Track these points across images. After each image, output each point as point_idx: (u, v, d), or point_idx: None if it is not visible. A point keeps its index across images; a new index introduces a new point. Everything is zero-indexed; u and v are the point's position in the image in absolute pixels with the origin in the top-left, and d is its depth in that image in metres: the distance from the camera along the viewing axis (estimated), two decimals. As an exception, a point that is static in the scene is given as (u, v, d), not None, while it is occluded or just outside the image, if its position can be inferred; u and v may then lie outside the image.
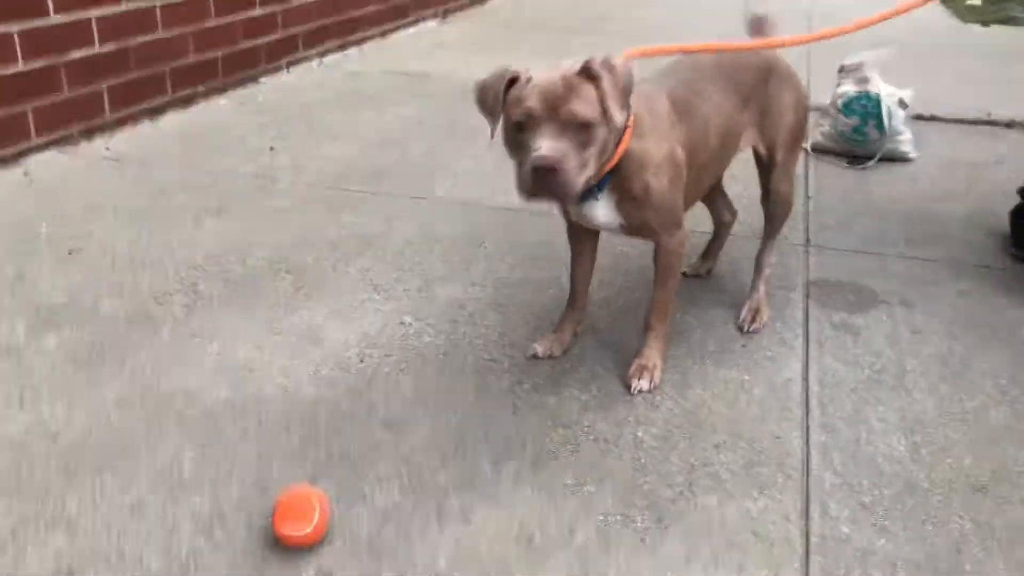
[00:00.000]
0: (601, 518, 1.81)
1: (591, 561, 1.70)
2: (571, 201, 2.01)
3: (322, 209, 3.32)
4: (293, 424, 2.07)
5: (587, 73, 1.89)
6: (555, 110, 1.85)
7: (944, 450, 2.04)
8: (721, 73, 2.35)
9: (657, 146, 2.08)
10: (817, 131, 4.11)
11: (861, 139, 3.94)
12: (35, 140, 3.76)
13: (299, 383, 2.23)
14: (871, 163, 3.93)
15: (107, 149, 3.90)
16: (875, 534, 1.78)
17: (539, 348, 2.36)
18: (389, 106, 4.69)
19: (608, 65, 1.89)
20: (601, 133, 1.90)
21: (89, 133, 4.01)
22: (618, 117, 1.88)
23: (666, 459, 1.99)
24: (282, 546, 1.68)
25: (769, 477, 1.94)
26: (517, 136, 1.91)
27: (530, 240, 3.06)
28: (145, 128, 4.22)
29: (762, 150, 2.50)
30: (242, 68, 4.96)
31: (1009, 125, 4.62)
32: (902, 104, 4.00)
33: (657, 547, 1.74)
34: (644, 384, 2.22)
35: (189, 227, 3.12)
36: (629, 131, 2.02)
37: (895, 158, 3.99)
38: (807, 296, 2.76)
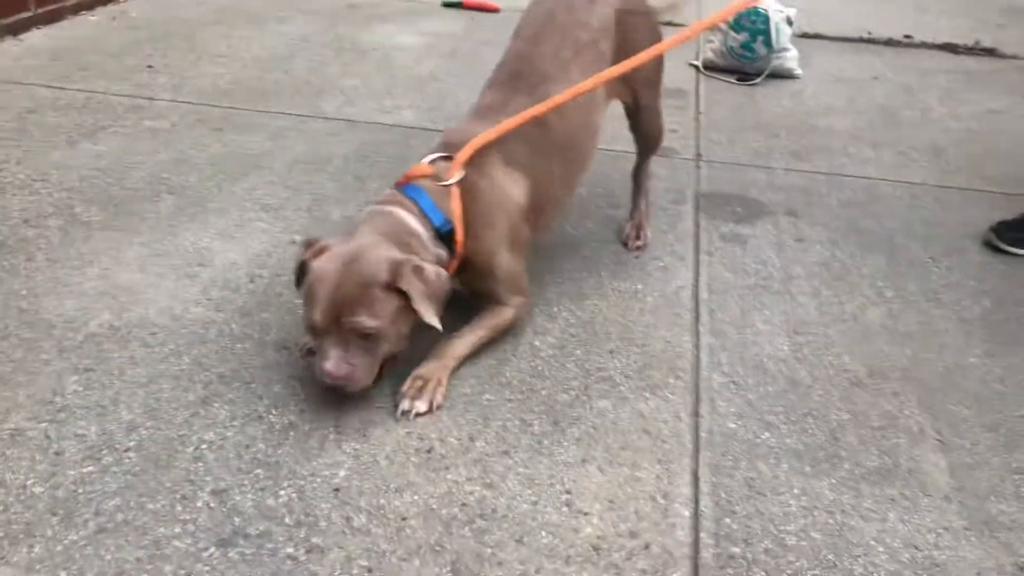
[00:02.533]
0: (500, 424, 1.83)
1: (490, 468, 1.72)
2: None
3: (204, 129, 3.18)
4: (182, 347, 2.01)
5: (387, 285, 1.74)
6: (338, 320, 1.73)
7: (825, 348, 2.14)
8: (568, 58, 2.20)
9: (497, 239, 2.00)
10: (707, 48, 4.15)
11: (750, 55, 4.01)
12: None
13: (186, 305, 2.16)
14: (759, 79, 4.00)
15: (-35, 68, 3.62)
16: (760, 428, 1.86)
17: None
18: (271, 23, 4.50)
19: (415, 275, 1.76)
20: (391, 333, 1.78)
21: (-57, 50, 3.71)
22: (434, 320, 1.78)
23: (562, 366, 2.02)
24: None
25: (661, 379, 1.99)
26: (307, 329, 1.81)
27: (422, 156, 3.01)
28: (7, 45, 3.93)
29: (627, 98, 2.46)
30: (112, -19, 4.66)
31: (887, 43, 4.77)
32: (788, 21, 4.07)
33: (554, 450, 1.77)
34: (420, 405, 1.84)
35: (62, 148, 2.95)
36: (460, 239, 1.94)
37: (782, 75, 4.07)
38: (697, 209, 2.82)
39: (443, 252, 1.92)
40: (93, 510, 1.56)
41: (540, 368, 2.02)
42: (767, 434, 1.85)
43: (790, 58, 4.07)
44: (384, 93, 3.59)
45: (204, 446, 1.72)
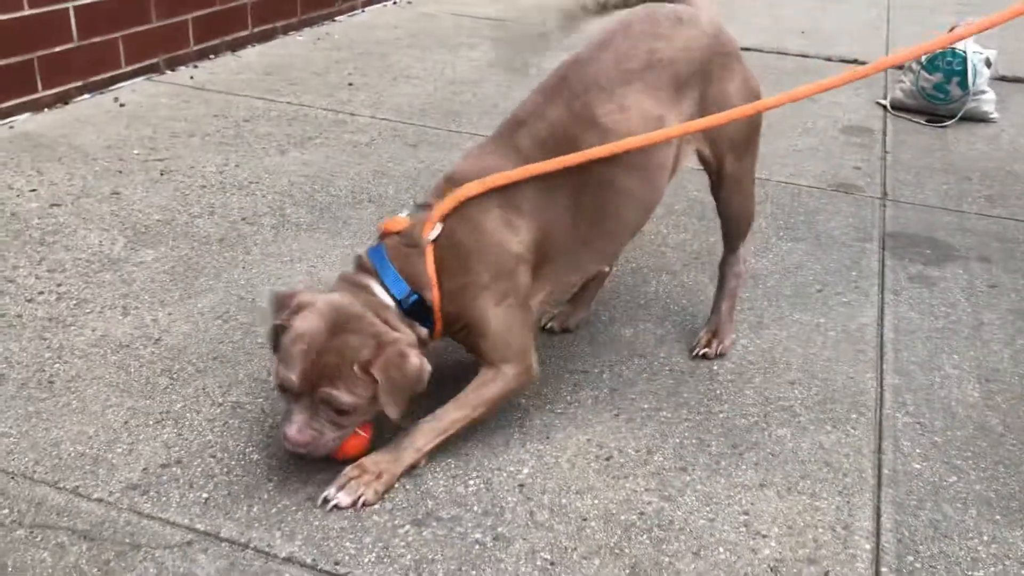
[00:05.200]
0: (677, 441, 1.87)
1: (667, 481, 1.76)
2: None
3: (401, 144, 3.38)
4: (380, 342, 2.16)
5: (365, 367, 1.60)
6: (314, 388, 1.60)
7: (1019, 398, 2.06)
8: (632, 69, 1.85)
9: (477, 295, 1.75)
10: (896, 87, 4.05)
11: (943, 97, 3.88)
12: (125, 68, 3.88)
13: (385, 304, 2.32)
14: (951, 122, 3.87)
15: (191, 79, 4.00)
16: (947, 471, 1.82)
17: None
18: (462, 48, 4.72)
19: (396, 362, 1.61)
20: (365, 409, 1.65)
21: (174, 63, 4.12)
22: (395, 414, 1.64)
23: (741, 392, 2.04)
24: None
25: (842, 414, 1.98)
26: (278, 387, 1.67)
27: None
28: (227, 60, 4.31)
29: (707, 154, 2.03)
30: (319, 6, 5.02)
31: (1096, 89, 4.50)
32: (987, 63, 3.92)
33: (732, 472, 1.80)
34: (344, 498, 1.63)
35: (274, 155, 3.22)
36: (438, 305, 1.73)
37: (976, 118, 3.92)
38: (883, 248, 2.76)
39: (419, 330, 1.73)
40: (302, 481, 1.71)
41: (718, 392, 2.04)
42: (954, 478, 1.80)
43: (986, 101, 3.91)
44: (567, 118, 3.71)
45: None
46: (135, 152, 3.17)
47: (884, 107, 4.05)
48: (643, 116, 1.82)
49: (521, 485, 1.73)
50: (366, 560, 1.54)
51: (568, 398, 2.00)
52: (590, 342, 2.21)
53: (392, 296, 1.71)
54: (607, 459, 1.82)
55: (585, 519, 1.66)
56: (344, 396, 1.60)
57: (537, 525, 1.64)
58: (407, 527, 1.61)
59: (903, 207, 3.06)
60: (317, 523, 1.61)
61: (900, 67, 4.07)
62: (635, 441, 1.87)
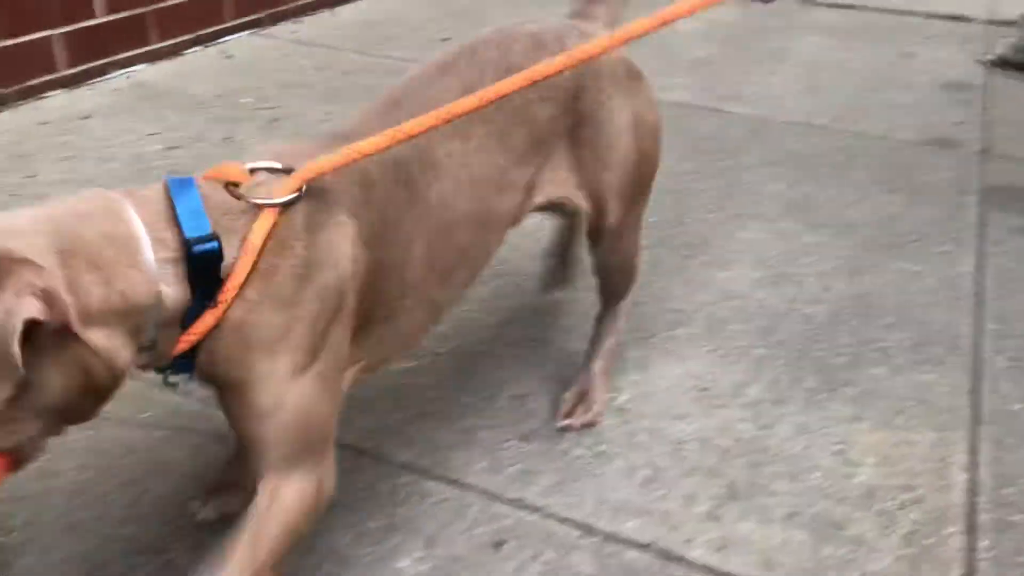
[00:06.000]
0: (772, 377, 1.92)
1: (762, 412, 1.82)
2: None
3: (496, 96, 3.46)
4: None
5: None
6: None
7: (1124, 348, 2.05)
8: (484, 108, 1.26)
9: (287, 340, 1.14)
10: (1000, 43, 3.94)
11: (1050, 53, 3.77)
12: (229, 22, 4.03)
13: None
14: (1058, 79, 3.76)
15: (293, 34, 4.14)
16: (1047, 414, 1.83)
17: None
18: (555, 5, 4.75)
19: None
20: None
21: (276, 19, 4.26)
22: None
23: (836, 333, 2.07)
24: None
25: (939, 356, 2.00)
26: None
27: (701, 133, 3.12)
28: (325, 17, 4.44)
29: (582, 203, 1.61)
30: (414, -36, 5.11)
31: None
32: (1099, 17, 3.78)
33: (827, 405, 1.84)
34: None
35: (375, 105, 3.33)
36: (234, 284, 1.09)
37: (1086, 75, 3.80)
38: (983, 201, 2.73)
39: (180, 291, 1.08)
40: (416, 398, 1.82)
41: (813, 333, 2.08)
42: (1055, 421, 1.82)
43: (1097, 57, 3.78)
44: (660, 73, 3.72)
45: (506, 358, 1.95)
46: (245, 101, 3.32)
47: (987, 63, 3.95)
48: (487, 154, 1.42)
49: (620, 410, 1.81)
50: (476, 468, 1.64)
51: (663, 334, 2.06)
52: (684, 284, 2.26)
53: (176, 233, 1.08)
54: (702, 390, 1.88)
55: (682, 442, 1.73)
56: None
57: (636, 446, 1.71)
58: (512, 441, 1.71)
59: (1005, 162, 3.01)
60: (429, 436, 1.72)
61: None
62: (730, 375, 1.93)
